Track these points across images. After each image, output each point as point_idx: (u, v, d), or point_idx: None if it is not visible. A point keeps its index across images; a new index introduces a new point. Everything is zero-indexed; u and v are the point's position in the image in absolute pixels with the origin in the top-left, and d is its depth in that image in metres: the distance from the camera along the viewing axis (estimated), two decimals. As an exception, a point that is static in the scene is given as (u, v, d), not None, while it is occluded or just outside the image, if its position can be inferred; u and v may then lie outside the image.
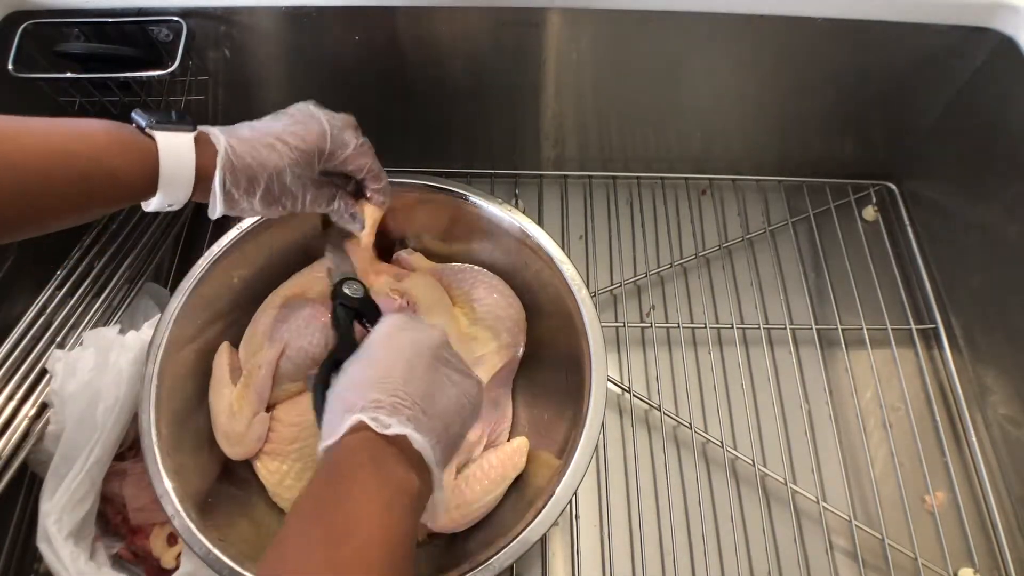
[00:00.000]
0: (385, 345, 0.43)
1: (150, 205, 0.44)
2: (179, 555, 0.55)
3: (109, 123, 0.42)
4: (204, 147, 0.44)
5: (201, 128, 0.45)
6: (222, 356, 0.58)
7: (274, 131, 0.47)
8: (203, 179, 0.44)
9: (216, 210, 0.46)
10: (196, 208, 0.77)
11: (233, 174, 0.45)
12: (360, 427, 0.37)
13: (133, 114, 0.43)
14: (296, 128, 0.48)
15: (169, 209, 0.45)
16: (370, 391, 0.39)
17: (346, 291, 0.53)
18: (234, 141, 0.45)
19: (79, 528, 0.52)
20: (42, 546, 0.50)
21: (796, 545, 0.62)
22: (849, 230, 0.80)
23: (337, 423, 0.38)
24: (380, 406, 0.38)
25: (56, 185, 0.39)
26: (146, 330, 0.59)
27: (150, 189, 0.43)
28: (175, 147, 0.43)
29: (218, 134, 0.45)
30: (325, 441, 0.38)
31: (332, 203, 0.53)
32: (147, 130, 0.43)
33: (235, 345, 0.60)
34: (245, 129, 0.47)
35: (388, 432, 0.37)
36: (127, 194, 0.43)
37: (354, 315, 0.52)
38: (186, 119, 0.44)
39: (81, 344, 0.59)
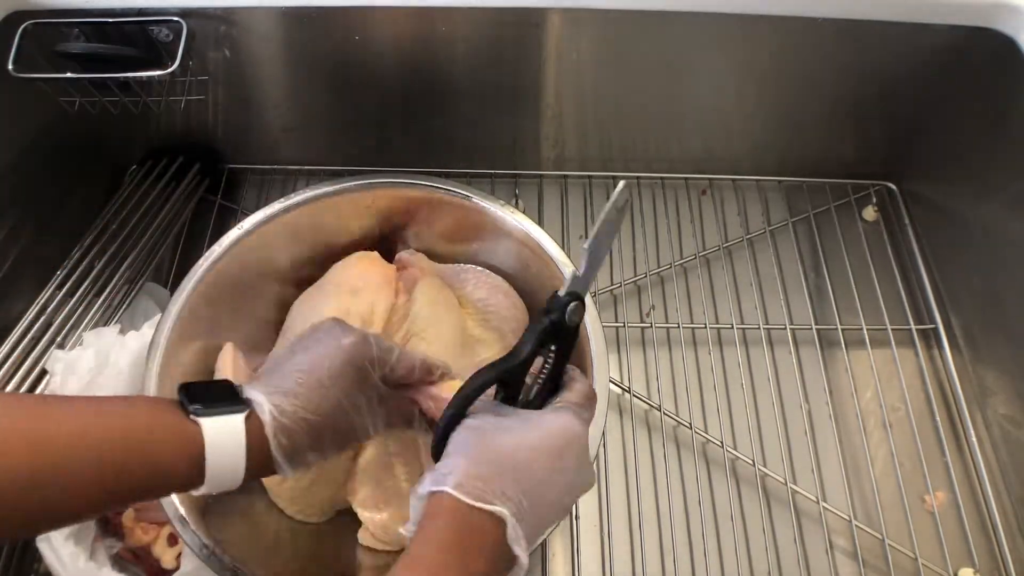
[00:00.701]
0: (554, 454, 0.38)
1: (198, 491, 0.38)
2: (179, 555, 0.55)
3: (151, 402, 0.38)
4: (251, 421, 0.38)
5: (245, 394, 0.39)
6: (225, 358, 0.58)
7: (321, 365, 0.41)
8: (257, 454, 0.38)
9: (286, 473, 0.40)
10: (196, 208, 0.78)
11: (291, 437, 0.39)
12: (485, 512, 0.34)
13: (180, 395, 0.38)
14: (330, 347, 0.42)
15: (220, 490, 0.38)
16: (510, 483, 0.35)
17: (570, 311, 0.41)
18: (278, 399, 0.39)
19: (79, 528, 0.52)
20: (42, 546, 0.50)
21: (796, 545, 0.62)
22: (849, 230, 0.80)
23: (475, 486, 0.34)
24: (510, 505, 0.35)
25: (82, 477, 0.33)
26: (146, 330, 0.59)
27: (196, 480, 0.37)
28: (223, 434, 0.37)
29: (261, 400, 0.39)
30: (443, 485, 0.34)
31: (411, 422, 0.46)
32: (192, 416, 0.37)
33: (239, 345, 0.60)
34: (286, 378, 0.40)
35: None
36: (165, 486, 0.37)
37: (548, 338, 0.41)
38: (236, 397, 0.39)
39: (81, 344, 0.59)
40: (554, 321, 0.41)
